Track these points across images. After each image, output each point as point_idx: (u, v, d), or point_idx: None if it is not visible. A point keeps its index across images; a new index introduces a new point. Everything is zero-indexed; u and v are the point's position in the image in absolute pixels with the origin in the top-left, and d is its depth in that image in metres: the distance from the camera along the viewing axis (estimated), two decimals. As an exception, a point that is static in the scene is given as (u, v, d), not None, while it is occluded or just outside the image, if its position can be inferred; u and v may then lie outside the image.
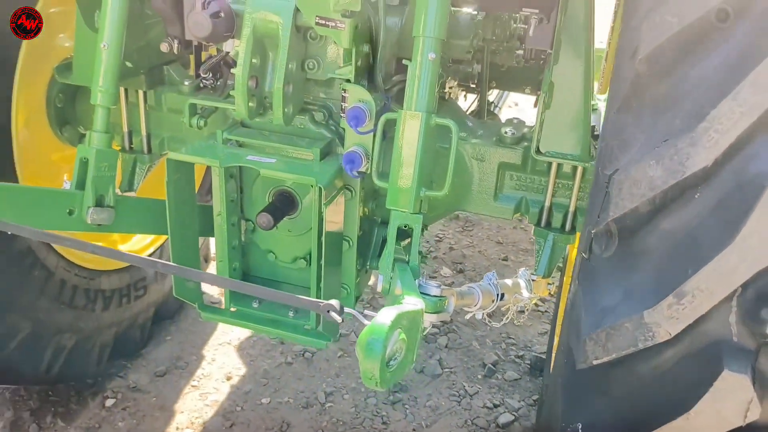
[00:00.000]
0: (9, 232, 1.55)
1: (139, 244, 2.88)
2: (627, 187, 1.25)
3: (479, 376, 3.02)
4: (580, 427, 1.42)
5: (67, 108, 2.47)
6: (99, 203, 1.82)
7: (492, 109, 3.17)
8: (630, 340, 1.25)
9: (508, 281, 1.94)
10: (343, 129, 1.93)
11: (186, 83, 2.31)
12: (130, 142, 2.51)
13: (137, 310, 2.85)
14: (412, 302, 1.32)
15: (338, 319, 1.26)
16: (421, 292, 1.48)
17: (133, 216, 1.96)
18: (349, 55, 1.68)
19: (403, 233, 1.70)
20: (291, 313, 2.06)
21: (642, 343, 1.24)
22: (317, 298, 1.94)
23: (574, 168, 2.03)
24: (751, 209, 1.13)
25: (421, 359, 3.08)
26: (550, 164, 2.07)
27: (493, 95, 3.68)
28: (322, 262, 1.82)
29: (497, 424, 2.75)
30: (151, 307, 2.96)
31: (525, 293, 1.91)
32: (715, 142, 1.17)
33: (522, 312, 2.08)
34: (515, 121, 2.18)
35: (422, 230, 2.34)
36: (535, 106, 3.03)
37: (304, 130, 1.90)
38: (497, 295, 1.79)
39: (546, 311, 3.52)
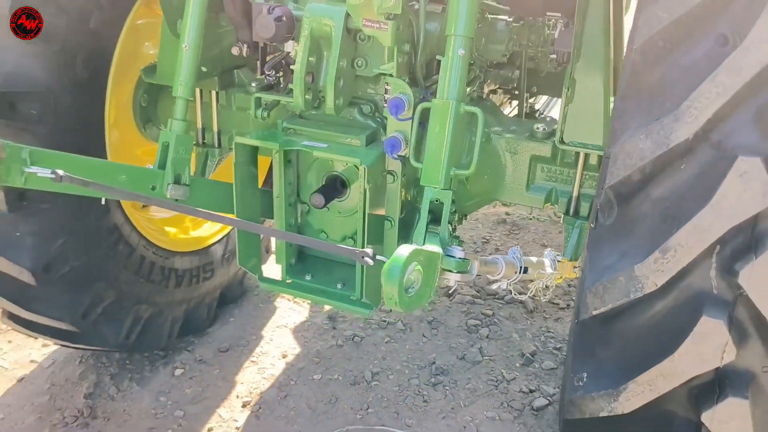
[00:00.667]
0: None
1: (209, 231, 3.20)
2: (621, 158, 1.45)
3: (517, 365, 3.20)
4: (585, 376, 1.61)
5: (150, 107, 2.82)
6: (176, 181, 2.12)
7: (537, 116, 3.35)
8: (623, 291, 1.44)
9: (533, 258, 2.13)
10: (387, 119, 2.20)
11: (253, 84, 2.62)
12: (203, 138, 2.84)
13: (205, 291, 3.16)
14: (431, 247, 1.55)
15: (370, 262, 1.50)
16: (446, 255, 1.70)
17: (205, 194, 2.26)
18: (392, 52, 1.93)
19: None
20: (339, 285, 2.31)
21: (633, 294, 1.43)
22: (362, 270, 2.20)
23: (599, 159, 2.22)
24: (724, 176, 1.31)
25: (462, 347, 3.28)
26: (577, 157, 2.27)
27: (540, 102, 3.88)
28: (365, 238, 2.08)
29: (532, 407, 2.92)
30: (217, 289, 3.27)
31: (549, 270, 2.09)
32: (695, 118, 1.36)
33: (547, 288, 2.27)
34: (548, 119, 2.39)
35: (462, 218, 2.57)
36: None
37: (352, 121, 2.16)
38: (520, 267, 1.98)
39: (586, 309, 3.66)
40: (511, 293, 2.16)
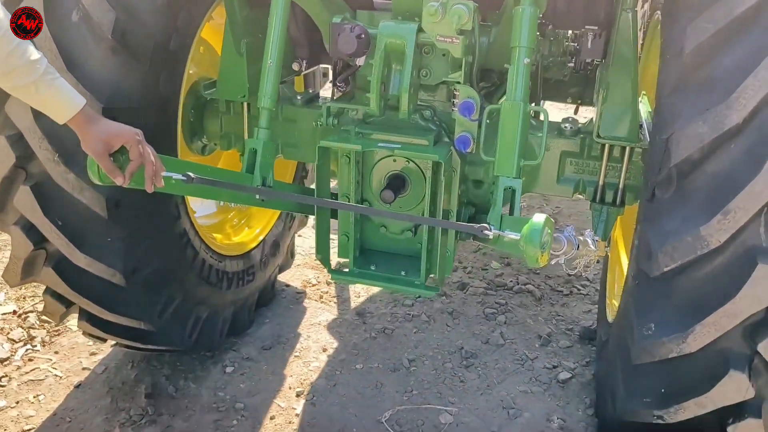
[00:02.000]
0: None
1: (248, 237, 3.41)
2: (683, 141, 1.78)
3: (536, 345, 3.52)
4: (652, 326, 1.93)
5: (196, 122, 3.03)
6: (263, 184, 2.36)
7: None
8: (691, 249, 1.77)
9: (580, 237, 2.46)
10: (444, 124, 2.50)
11: (298, 98, 2.88)
12: (249, 148, 3.07)
13: (248, 293, 3.37)
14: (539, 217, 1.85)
15: (491, 235, 1.78)
16: None
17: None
18: (460, 63, 2.24)
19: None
20: (403, 272, 2.58)
21: (700, 251, 1.76)
22: (429, 255, 2.48)
23: (623, 151, 2.58)
24: (769, 151, 1.66)
25: (484, 333, 3.58)
26: (602, 151, 2.62)
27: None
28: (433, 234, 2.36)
29: (558, 380, 3.24)
30: (256, 291, 3.48)
31: (592, 247, 2.42)
32: (743, 106, 1.71)
33: (588, 266, 2.59)
34: (570, 119, 2.74)
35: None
36: (576, 113, 3.60)
37: (415, 125, 2.44)
38: (576, 246, 2.30)
39: (587, 294, 4.03)
40: (567, 271, 2.45)
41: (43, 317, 3.55)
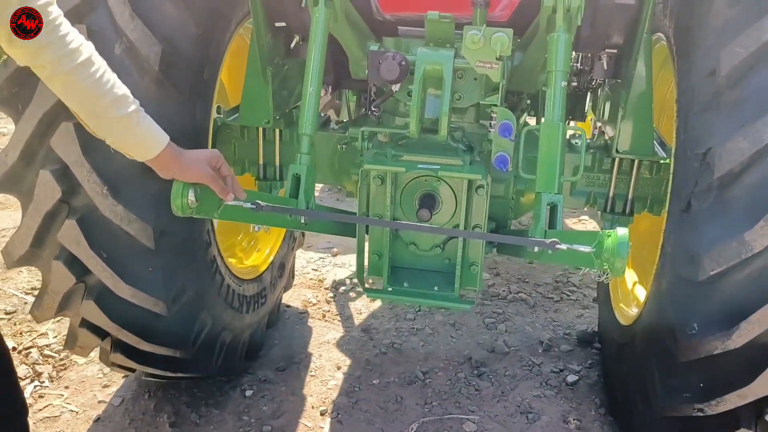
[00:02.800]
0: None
1: (258, 260, 3.43)
2: (725, 155, 1.96)
3: (539, 351, 3.67)
4: (695, 325, 2.09)
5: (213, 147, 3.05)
6: (307, 207, 2.41)
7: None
8: (736, 253, 1.95)
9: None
10: (473, 144, 2.61)
11: (335, 125, 2.95)
12: (264, 172, 3.11)
13: (261, 316, 3.38)
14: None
15: (563, 248, 1.90)
16: None
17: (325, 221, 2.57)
18: (495, 86, 2.36)
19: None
20: (435, 288, 2.67)
21: (744, 254, 1.93)
22: (460, 270, 2.58)
23: (632, 164, 2.76)
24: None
25: (488, 342, 3.71)
26: (613, 164, 2.80)
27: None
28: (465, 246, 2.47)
29: (566, 383, 3.39)
30: (267, 314, 3.49)
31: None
32: (780, 123, 1.90)
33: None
34: (577, 135, 2.91)
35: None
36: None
37: (446, 146, 2.55)
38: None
39: (576, 299, 4.22)
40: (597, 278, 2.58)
41: (46, 352, 3.46)
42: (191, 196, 1.92)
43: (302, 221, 2.40)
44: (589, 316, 4.01)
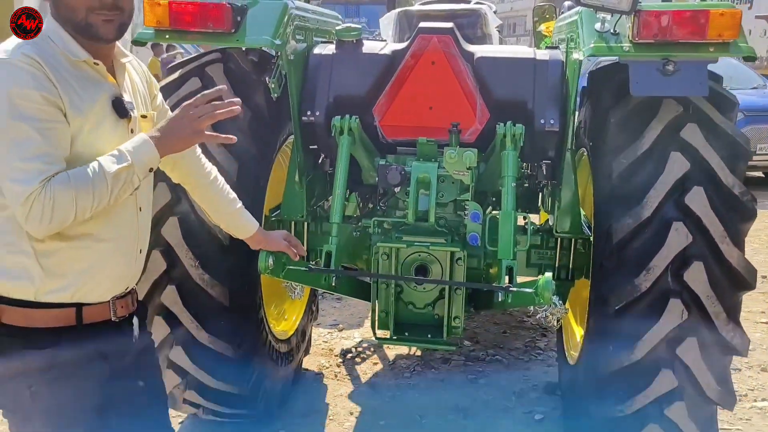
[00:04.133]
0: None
1: (287, 326, 4.32)
2: (619, 228, 2.98)
3: (513, 398, 4.52)
4: (611, 347, 3.03)
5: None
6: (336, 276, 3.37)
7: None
8: (631, 293, 2.93)
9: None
10: (453, 228, 3.61)
11: (351, 221, 3.93)
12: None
13: (290, 371, 4.24)
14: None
15: (514, 289, 2.88)
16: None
17: (350, 286, 3.51)
18: (467, 187, 3.40)
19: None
20: (429, 335, 3.58)
21: (636, 293, 2.91)
22: (447, 321, 3.50)
23: (569, 241, 3.77)
24: (666, 234, 2.89)
25: (472, 392, 4.56)
26: (555, 242, 3.81)
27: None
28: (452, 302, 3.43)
29: (534, 419, 4.24)
30: (293, 371, 4.35)
31: (560, 307, 3.52)
32: (650, 207, 2.93)
33: (559, 321, 3.70)
34: (528, 221, 3.93)
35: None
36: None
37: (434, 230, 3.53)
38: (562, 302, 3.36)
39: (543, 360, 5.12)
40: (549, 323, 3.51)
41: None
42: (270, 261, 2.88)
43: (333, 283, 3.35)
44: (553, 372, 4.88)
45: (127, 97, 2.08)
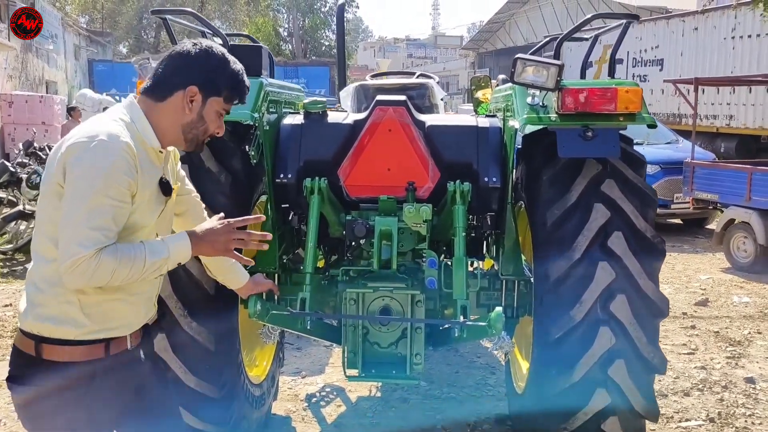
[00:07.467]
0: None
1: (258, 371, 4.65)
2: (554, 269, 3.51)
3: (468, 430, 4.94)
4: (554, 371, 3.52)
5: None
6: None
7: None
8: (567, 323, 3.44)
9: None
10: (411, 274, 4.08)
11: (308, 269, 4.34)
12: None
13: (261, 414, 4.54)
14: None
15: (468, 322, 3.33)
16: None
17: (323, 329, 3.91)
18: (425, 238, 3.88)
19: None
20: (393, 371, 3.99)
21: (571, 324, 3.43)
22: (409, 358, 3.92)
23: (513, 283, 4.29)
24: (594, 270, 3.44)
25: (430, 427, 4.96)
26: (501, 284, 4.32)
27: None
28: (414, 338, 3.86)
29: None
30: (264, 414, 4.66)
31: (509, 341, 4.00)
32: (581, 249, 3.48)
33: (507, 355, 4.17)
34: (477, 264, 4.44)
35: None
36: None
37: (396, 276, 3.98)
38: (510, 339, 3.85)
39: (493, 395, 5.57)
40: (498, 355, 4.00)
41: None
42: (258, 306, 3.26)
43: (308, 326, 3.74)
44: (503, 405, 5.33)
45: (169, 177, 2.50)
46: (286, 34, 51.93)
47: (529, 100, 3.68)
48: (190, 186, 2.81)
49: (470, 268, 3.93)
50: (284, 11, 52.14)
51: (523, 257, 4.29)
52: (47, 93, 23.17)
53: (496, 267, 4.45)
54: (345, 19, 7.40)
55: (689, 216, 12.47)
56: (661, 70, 20.84)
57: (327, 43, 49.26)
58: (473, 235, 4.61)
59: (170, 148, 2.54)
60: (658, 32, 21.24)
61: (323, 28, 50.17)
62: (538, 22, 40.92)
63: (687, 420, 5.08)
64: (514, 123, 3.80)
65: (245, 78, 2.49)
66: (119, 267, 2.16)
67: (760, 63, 17.16)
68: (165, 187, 2.43)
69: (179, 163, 2.71)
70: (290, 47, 49.64)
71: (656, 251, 3.58)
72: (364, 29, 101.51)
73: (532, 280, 4.07)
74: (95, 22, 46.53)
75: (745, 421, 5.10)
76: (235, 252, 2.57)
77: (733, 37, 18.27)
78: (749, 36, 17.78)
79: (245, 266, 3.02)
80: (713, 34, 18.95)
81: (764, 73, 14.50)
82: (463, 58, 58.93)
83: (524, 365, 4.72)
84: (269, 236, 2.58)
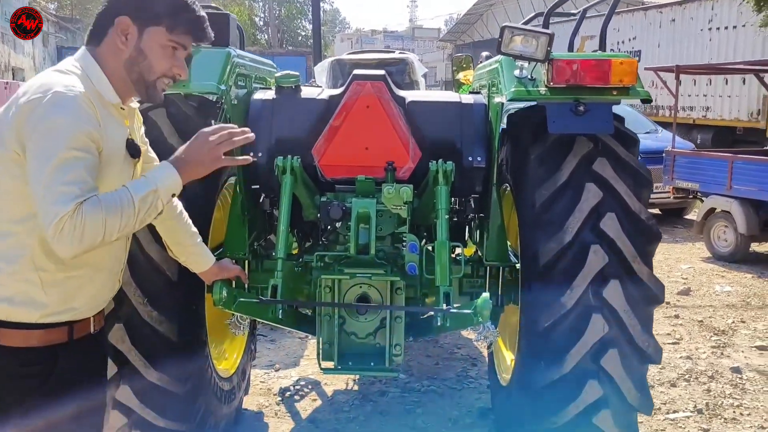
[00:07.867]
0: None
1: (228, 364, 4.37)
2: (544, 253, 3.27)
3: (449, 425, 4.72)
4: (542, 363, 3.29)
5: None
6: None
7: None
8: (558, 311, 3.21)
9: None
10: (391, 259, 3.83)
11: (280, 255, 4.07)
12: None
13: (232, 409, 4.27)
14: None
15: (453, 310, 3.08)
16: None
17: (295, 318, 3.64)
18: (406, 221, 3.63)
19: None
20: (372, 363, 3.74)
21: (562, 311, 3.20)
22: (388, 349, 3.67)
23: (498, 270, 4.06)
24: (585, 258, 3.21)
25: (410, 422, 4.73)
26: (485, 271, 4.09)
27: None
28: (394, 328, 3.61)
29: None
30: (234, 410, 4.38)
31: (494, 330, 3.77)
32: (571, 231, 3.25)
33: (491, 344, 3.94)
34: (459, 251, 4.20)
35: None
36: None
37: (374, 262, 3.73)
38: (494, 326, 3.61)
39: (475, 388, 5.35)
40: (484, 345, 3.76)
41: None
42: (224, 293, 2.99)
43: (279, 315, 3.47)
44: (486, 397, 5.11)
45: (136, 139, 2.26)
46: (262, 23, 51.33)
47: (516, 72, 3.45)
48: (152, 154, 2.55)
49: (452, 254, 3.68)
50: (260, 0, 51.45)
51: (509, 243, 4.06)
52: (14, 79, 22.49)
53: (479, 253, 4.21)
54: (321, 8, 7.11)
55: (668, 206, 12.41)
56: (638, 61, 20.77)
57: (303, 33, 48.81)
58: (455, 219, 4.37)
59: (133, 105, 2.31)
60: (635, 24, 21.20)
61: (300, 18, 49.62)
62: (515, 14, 40.76)
63: (674, 411, 4.91)
64: (500, 98, 3.56)
65: (197, 6, 2.22)
66: (108, 216, 1.92)
67: (736, 54, 17.18)
68: (132, 148, 2.20)
69: (142, 128, 2.47)
70: (266, 37, 49.04)
71: (651, 234, 3.36)
72: (341, 20, 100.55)
73: (518, 266, 3.84)
74: (65, 8, 45.49)
75: (734, 411, 4.95)
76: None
77: (710, 29, 18.28)
78: (726, 27, 17.80)
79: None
80: (690, 25, 18.94)
81: (744, 61, 14.48)
82: (440, 50, 58.77)
83: (509, 356, 4.49)
84: (252, 135, 2.31)
